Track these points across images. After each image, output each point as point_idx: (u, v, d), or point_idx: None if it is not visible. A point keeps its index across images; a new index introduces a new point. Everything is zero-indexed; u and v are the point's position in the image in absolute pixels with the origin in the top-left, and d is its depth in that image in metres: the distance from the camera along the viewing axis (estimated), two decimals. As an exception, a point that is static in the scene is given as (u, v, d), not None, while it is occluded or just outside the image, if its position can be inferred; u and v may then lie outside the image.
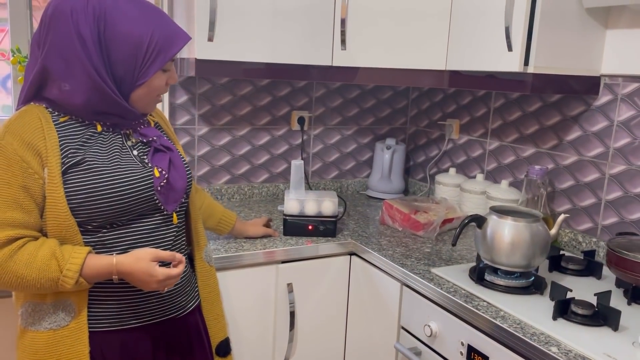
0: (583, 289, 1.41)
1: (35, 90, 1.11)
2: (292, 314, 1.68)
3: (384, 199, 2.24)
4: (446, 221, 1.88)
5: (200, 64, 1.71)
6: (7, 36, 1.92)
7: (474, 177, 2.10)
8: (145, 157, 1.18)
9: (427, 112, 2.39)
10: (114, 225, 1.13)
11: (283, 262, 1.65)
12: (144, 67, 1.09)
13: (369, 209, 2.18)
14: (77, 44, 1.04)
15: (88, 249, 1.08)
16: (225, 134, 2.14)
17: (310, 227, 1.72)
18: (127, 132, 1.18)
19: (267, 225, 1.72)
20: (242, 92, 2.14)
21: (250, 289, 1.63)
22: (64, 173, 1.07)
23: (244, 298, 1.62)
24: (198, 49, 1.69)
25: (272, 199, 2.24)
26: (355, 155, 2.43)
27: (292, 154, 2.28)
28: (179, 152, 1.26)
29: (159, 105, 1.96)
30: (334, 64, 1.89)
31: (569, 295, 1.29)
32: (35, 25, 1.98)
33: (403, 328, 1.54)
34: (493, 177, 2.07)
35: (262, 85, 2.17)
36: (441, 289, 1.39)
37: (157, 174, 1.16)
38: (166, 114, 2.00)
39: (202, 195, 1.55)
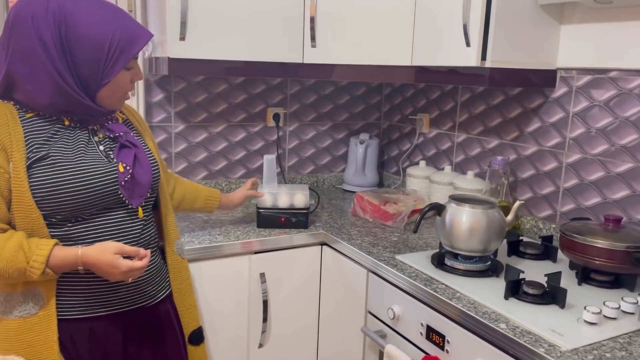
0: (537, 271, 1.48)
1: (3, 92, 1.16)
2: (265, 303, 1.74)
3: (358, 192, 2.32)
4: (415, 212, 1.95)
5: (173, 62, 1.77)
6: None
7: (443, 169, 2.18)
8: (111, 152, 1.23)
9: (400, 107, 2.46)
10: (79, 219, 1.18)
11: (256, 252, 1.72)
12: (107, 67, 1.14)
13: (344, 202, 2.24)
14: (39, 49, 1.09)
15: (54, 241, 1.13)
16: (201, 131, 2.20)
17: (282, 219, 1.78)
18: (95, 127, 1.23)
19: (252, 188, 1.77)
20: (217, 90, 2.20)
21: (224, 279, 1.69)
22: (28, 168, 1.12)
23: (218, 288, 1.68)
24: (170, 48, 1.75)
25: (249, 193, 2.30)
26: (331, 150, 2.50)
27: (268, 150, 2.34)
28: (147, 147, 1.32)
29: (134, 104, 2.02)
30: (305, 61, 1.96)
31: (522, 276, 1.36)
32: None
33: (370, 312, 1.61)
34: (461, 168, 2.14)
35: (237, 82, 2.23)
36: (403, 274, 1.46)
37: (121, 169, 1.20)
38: (142, 112, 2.05)
39: (182, 182, 1.62)
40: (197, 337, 1.44)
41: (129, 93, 1.24)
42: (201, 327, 1.46)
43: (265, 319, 1.75)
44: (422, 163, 2.21)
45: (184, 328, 1.41)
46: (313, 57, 1.96)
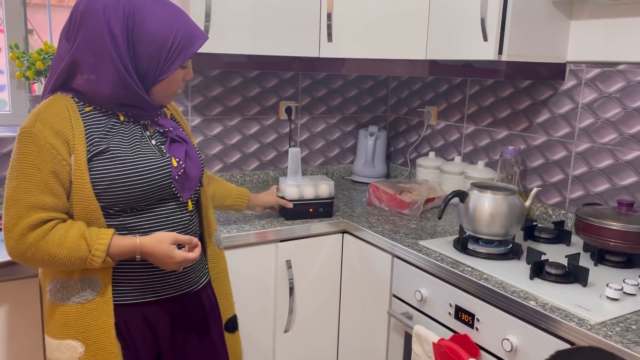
0: (555, 254, 1.57)
1: (62, 81, 1.19)
2: (291, 289, 1.80)
3: (368, 183, 2.38)
4: (428, 200, 2.03)
5: (196, 57, 1.81)
6: None
7: (452, 159, 2.26)
8: (162, 146, 1.27)
9: (407, 100, 2.53)
10: (134, 210, 1.22)
11: (282, 240, 1.78)
12: (167, 64, 1.18)
13: (355, 192, 2.31)
14: (108, 40, 1.12)
15: (112, 230, 1.17)
16: (217, 124, 2.24)
17: (310, 210, 1.84)
18: (146, 122, 1.27)
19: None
20: (232, 84, 2.24)
21: (252, 266, 1.74)
22: (89, 160, 1.15)
23: (246, 275, 1.73)
24: (194, 43, 1.79)
25: (262, 185, 2.35)
26: (340, 143, 2.56)
27: (280, 143, 2.39)
28: (192, 143, 1.36)
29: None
30: (321, 56, 2.01)
31: (543, 257, 1.44)
32: (29, 23, 2.04)
33: (394, 296, 1.68)
34: (470, 159, 2.23)
35: (251, 77, 2.27)
36: (429, 257, 1.53)
37: (175, 164, 1.25)
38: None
39: (215, 180, 1.66)
40: (233, 324, 1.49)
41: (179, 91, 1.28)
42: (235, 315, 1.51)
43: (290, 305, 1.81)
44: (432, 154, 2.29)
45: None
46: (329, 51, 2.01)
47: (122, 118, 1.22)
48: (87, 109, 1.20)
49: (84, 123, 1.17)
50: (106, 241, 1.14)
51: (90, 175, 1.15)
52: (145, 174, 1.20)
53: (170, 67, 1.18)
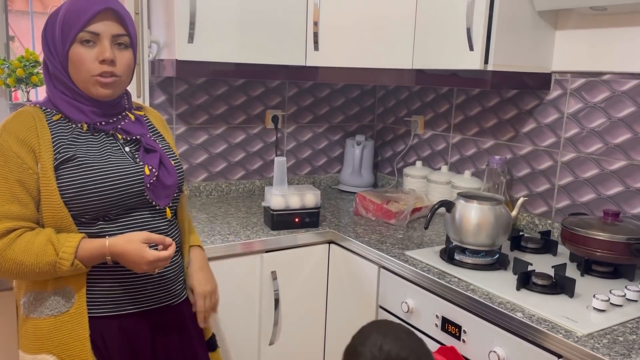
0: (541, 264, 1.56)
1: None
2: (277, 301, 1.77)
3: (355, 192, 2.37)
4: (415, 210, 2.01)
5: (181, 65, 1.79)
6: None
7: (439, 168, 2.25)
8: (137, 154, 1.25)
9: (393, 109, 2.53)
10: (106, 219, 1.19)
11: (267, 251, 1.75)
12: (62, 40, 1.16)
13: (342, 201, 2.29)
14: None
15: (82, 235, 1.15)
16: (202, 132, 2.22)
17: (297, 220, 1.81)
18: (112, 132, 1.24)
19: None
20: (217, 92, 2.22)
21: (237, 278, 1.72)
22: (56, 168, 1.14)
23: (230, 286, 1.70)
24: (178, 51, 1.77)
25: (248, 195, 2.33)
26: (327, 152, 2.54)
27: (267, 152, 2.37)
28: (170, 149, 1.34)
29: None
30: (307, 64, 2.00)
31: (530, 268, 1.44)
32: (11, 29, 2.01)
33: (381, 307, 1.66)
34: (456, 168, 2.22)
35: (236, 85, 2.25)
36: (416, 268, 1.52)
37: (147, 172, 1.23)
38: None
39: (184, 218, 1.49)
40: (213, 344, 1.44)
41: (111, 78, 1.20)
42: (214, 335, 1.46)
43: (276, 316, 1.78)
44: (419, 163, 2.28)
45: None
46: (315, 60, 2.00)
47: (85, 128, 1.20)
48: (55, 117, 1.19)
49: (51, 131, 1.17)
50: (74, 243, 1.12)
51: (58, 182, 1.13)
52: (114, 180, 1.18)
53: (65, 42, 1.16)
